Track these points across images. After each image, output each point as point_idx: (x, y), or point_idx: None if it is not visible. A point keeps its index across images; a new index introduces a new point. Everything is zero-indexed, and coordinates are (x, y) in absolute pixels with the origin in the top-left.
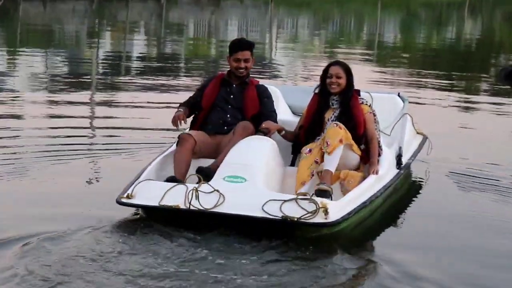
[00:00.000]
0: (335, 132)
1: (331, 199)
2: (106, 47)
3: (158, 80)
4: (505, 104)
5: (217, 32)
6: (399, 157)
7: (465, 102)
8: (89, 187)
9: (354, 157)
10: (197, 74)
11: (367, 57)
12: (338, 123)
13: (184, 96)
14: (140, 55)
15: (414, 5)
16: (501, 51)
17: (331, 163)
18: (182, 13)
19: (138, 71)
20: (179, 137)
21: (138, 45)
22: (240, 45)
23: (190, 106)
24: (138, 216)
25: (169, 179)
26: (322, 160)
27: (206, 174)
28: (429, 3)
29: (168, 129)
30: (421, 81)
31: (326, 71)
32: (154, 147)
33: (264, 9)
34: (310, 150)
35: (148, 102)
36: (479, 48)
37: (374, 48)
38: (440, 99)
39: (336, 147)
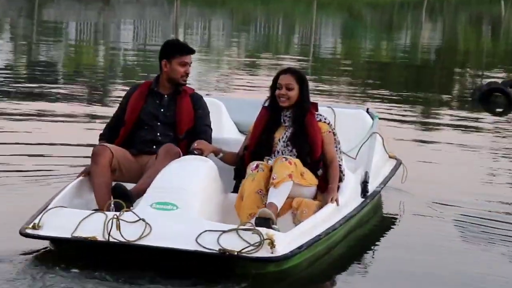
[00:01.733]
0: (284, 167)
1: (275, 229)
2: None
3: (26, 89)
4: (468, 118)
5: (106, 35)
6: (364, 184)
7: (427, 119)
8: None
9: (309, 189)
10: (78, 84)
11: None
12: (288, 157)
13: (55, 108)
14: (3, 62)
15: (358, 5)
16: (467, 62)
17: (276, 197)
18: (60, 10)
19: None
20: (92, 151)
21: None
22: (186, 46)
23: (115, 132)
24: (47, 250)
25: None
26: (266, 192)
27: (124, 195)
28: (376, 3)
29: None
30: (370, 97)
31: (275, 81)
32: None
33: (167, 8)
34: (257, 166)
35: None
36: (441, 58)
37: (309, 58)
38: (400, 116)
39: (284, 181)
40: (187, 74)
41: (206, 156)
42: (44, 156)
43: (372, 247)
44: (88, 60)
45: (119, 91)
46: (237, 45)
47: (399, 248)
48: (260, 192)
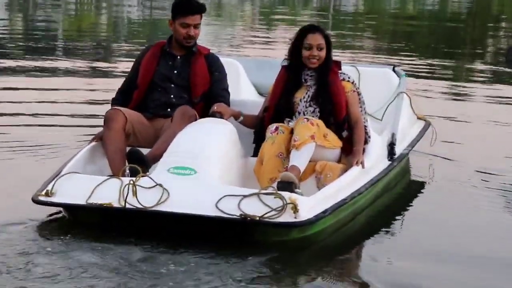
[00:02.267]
0: (305, 128)
1: (298, 194)
2: None
3: (21, 62)
4: (502, 78)
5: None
6: (391, 146)
7: (458, 78)
8: (3, 183)
9: (333, 152)
10: (80, 54)
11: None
12: (310, 118)
13: (67, 82)
14: None
15: None
16: (501, 23)
17: (298, 159)
18: None
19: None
20: (105, 116)
21: None
22: (190, 7)
23: (128, 96)
24: (61, 217)
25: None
26: (287, 154)
27: (139, 160)
28: None
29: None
30: (396, 57)
31: (300, 39)
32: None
33: None
34: (277, 128)
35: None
36: (472, 18)
37: (329, 14)
38: (430, 75)
39: (306, 142)
40: (190, 36)
41: (226, 119)
42: (52, 123)
43: (400, 215)
44: (90, 20)
45: (124, 51)
46: (252, 2)
47: (428, 218)
48: (280, 155)
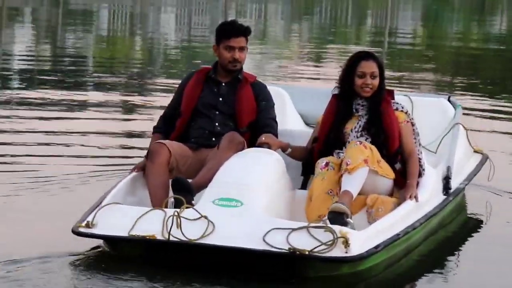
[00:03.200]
0: (358, 151)
1: (351, 227)
2: None
3: (52, 94)
4: None
5: (144, 24)
6: (446, 179)
7: None
8: (40, 214)
9: (385, 182)
10: (111, 86)
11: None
12: (362, 141)
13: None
14: (26, 56)
15: None
16: None
17: (351, 184)
18: None
19: (22, 81)
20: (149, 149)
21: (22, 41)
22: (233, 29)
23: (170, 124)
24: (101, 250)
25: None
26: (337, 192)
27: (185, 189)
28: None
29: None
30: (459, 86)
31: (353, 66)
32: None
33: None
34: (327, 164)
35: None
36: None
37: (384, 43)
38: (490, 107)
39: (360, 166)
40: (235, 60)
41: (274, 150)
42: (84, 154)
43: (455, 253)
44: (123, 51)
45: (158, 84)
46: (299, 33)
47: (485, 257)
48: (330, 192)
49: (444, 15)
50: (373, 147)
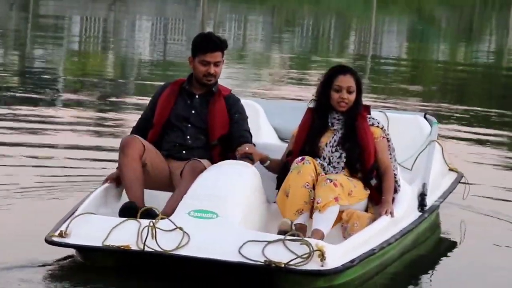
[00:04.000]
0: (328, 189)
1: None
2: None
3: (20, 109)
4: None
5: (117, 36)
6: (422, 196)
7: (504, 137)
8: (12, 224)
9: (360, 204)
10: (76, 102)
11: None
12: (332, 178)
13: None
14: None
15: (429, 4)
16: None
17: (322, 222)
18: (61, 4)
19: None
20: (121, 142)
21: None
22: (209, 43)
23: (142, 135)
24: (72, 260)
25: (124, 207)
26: (313, 186)
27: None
28: (452, 2)
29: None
30: (442, 110)
31: (330, 80)
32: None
33: (193, 4)
34: (303, 159)
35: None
36: None
37: (367, 64)
38: (470, 129)
39: (330, 205)
40: (210, 74)
41: (255, 162)
42: (57, 165)
43: (428, 272)
44: (95, 65)
45: (129, 99)
46: (279, 49)
47: (459, 279)
48: (307, 186)
49: (430, 37)
50: (343, 180)
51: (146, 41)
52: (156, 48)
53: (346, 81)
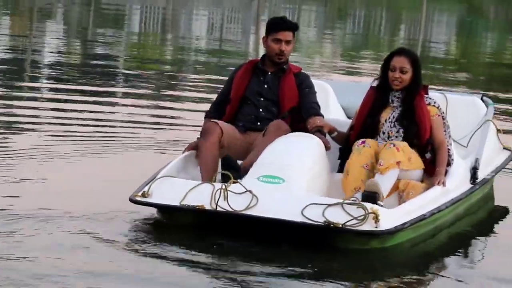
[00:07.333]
0: (391, 153)
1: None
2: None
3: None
4: None
5: (175, 27)
6: (474, 170)
7: None
8: (104, 183)
9: (416, 173)
10: (142, 90)
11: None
12: (396, 143)
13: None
14: (55, 57)
15: None
16: None
17: (383, 184)
18: None
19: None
20: (203, 128)
21: (51, 42)
22: (282, 23)
23: (221, 110)
24: (154, 218)
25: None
26: (372, 167)
27: (233, 167)
28: None
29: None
30: (493, 87)
31: (387, 60)
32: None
33: None
34: (363, 142)
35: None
36: None
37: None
38: None
39: (391, 168)
40: (281, 52)
41: (326, 133)
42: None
43: (480, 239)
44: (154, 56)
45: (186, 91)
46: (331, 41)
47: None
48: (366, 166)
49: (479, 30)
50: (405, 146)
51: (203, 31)
52: (212, 36)
53: (400, 61)
